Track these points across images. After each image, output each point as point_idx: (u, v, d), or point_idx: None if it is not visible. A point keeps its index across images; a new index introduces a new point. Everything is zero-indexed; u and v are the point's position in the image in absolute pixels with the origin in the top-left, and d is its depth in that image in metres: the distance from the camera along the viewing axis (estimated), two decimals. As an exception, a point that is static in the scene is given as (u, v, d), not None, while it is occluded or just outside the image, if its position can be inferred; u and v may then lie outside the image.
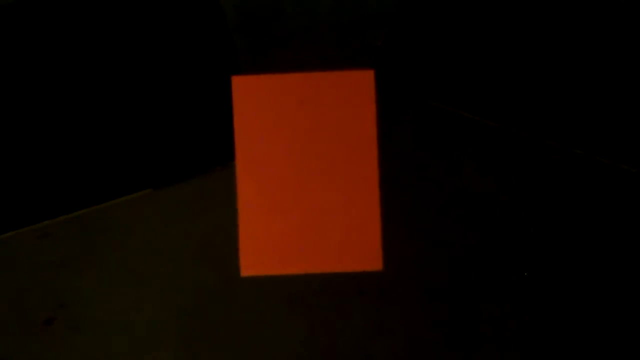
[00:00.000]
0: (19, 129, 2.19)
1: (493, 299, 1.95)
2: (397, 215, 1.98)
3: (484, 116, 2.55)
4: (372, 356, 1.89)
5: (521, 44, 2.43)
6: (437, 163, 2.40)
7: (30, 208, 2.24)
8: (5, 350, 1.95)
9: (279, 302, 1.95)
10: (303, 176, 1.23)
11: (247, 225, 1.22)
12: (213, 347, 1.89)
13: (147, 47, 2.20)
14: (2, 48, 2.14)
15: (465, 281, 1.99)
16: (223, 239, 2.06)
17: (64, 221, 2.30)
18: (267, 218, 1.22)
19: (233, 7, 1.99)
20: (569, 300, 1.96)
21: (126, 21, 2.13)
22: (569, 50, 2.40)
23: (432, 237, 2.11)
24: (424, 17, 2.35)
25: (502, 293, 1.96)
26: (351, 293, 1.92)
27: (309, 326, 1.88)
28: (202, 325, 1.93)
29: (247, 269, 1.22)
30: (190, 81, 2.23)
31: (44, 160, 2.24)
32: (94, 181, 2.29)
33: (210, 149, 2.32)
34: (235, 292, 1.94)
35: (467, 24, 2.37)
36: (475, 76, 2.49)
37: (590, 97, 2.41)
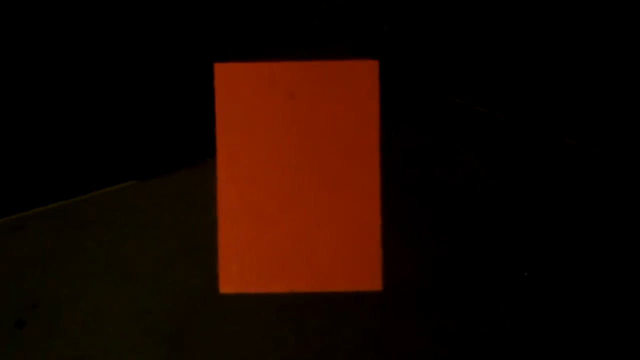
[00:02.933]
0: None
1: (493, 311, 1.81)
2: (397, 220, 1.83)
3: (493, 109, 2.41)
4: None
5: (533, 36, 2.30)
6: (442, 162, 2.25)
7: (3, 198, 2.09)
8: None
9: (267, 309, 1.80)
10: (293, 181, 1.08)
11: (228, 235, 1.07)
12: (193, 352, 1.74)
13: (133, 36, 2.04)
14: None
15: (465, 290, 1.86)
16: (209, 236, 1.92)
17: (41, 213, 2.16)
18: (251, 228, 1.07)
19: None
20: (570, 303, 1.83)
21: (112, 9, 1.98)
22: (583, 45, 2.27)
23: (432, 242, 1.97)
24: (433, 2, 2.20)
25: (503, 304, 1.82)
26: (345, 301, 1.78)
27: (299, 336, 1.73)
28: (183, 331, 1.78)
29: (226, 285, 1.07)
30: (178, 70, 2.08)
31: (20, 146, 2.08)
32: (74, 171, 2.14)
33: (198, 140, 2.17)
34: (219, 297, 1.80)
35: (477, 12, 2.23)
36: (485, 67, 2.35)
37: (602, 92, 2.30)
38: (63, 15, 1.98)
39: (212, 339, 1.74)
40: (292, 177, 1.07)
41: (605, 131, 2.32)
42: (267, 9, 1.71)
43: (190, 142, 2.10)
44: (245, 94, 1.07)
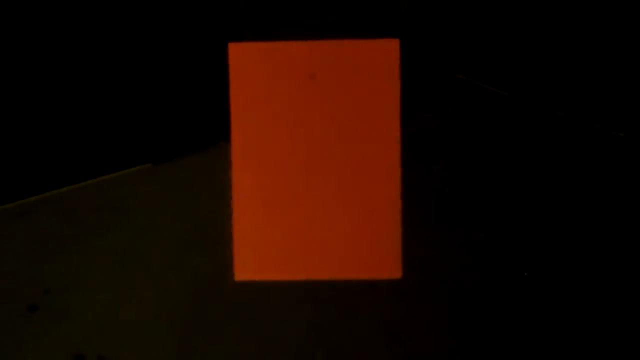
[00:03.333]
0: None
1: (508, 301, 1.76)
2: (416, 206, 1.79)
3: (513, 91, 2.35)
4: (377, 350, 1.70)
5: (556, 18, 2.23)
6: (462, 146, 2.20)
7: (11, 182, 2.06)
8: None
9: (281, 296, 1.77)
10: (311, 165, 1.04)
11: (243, 222, 1.03)
12: (207, 340, 1.72)
13: (145, 15, 2.00)
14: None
15: (483, 279, 1.82)
16: (223, 222, 1.89)
17: (52, 197, 2.14)
18: (267, 214, 1.03)
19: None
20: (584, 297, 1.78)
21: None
22: (609, 30, 2.20)
23: (450, 230, 1.92)
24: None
25: (523, 295, 1.77)
26: (360, 285, 1.74)
27: (312, 323, 1.70)
28: (197, 318, 1.76)
29: (242, 272, 1.04)
30: (191, 51, 2.03)
31: (30, 129, 2.05)
32: (86, 154, 2.11)
33: (212, 123, 2.13)
34: (233, 284, 1.77)
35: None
36: (505, 48, 2.28)
37: (627, 77, 2.23)
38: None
39: (226, 326, 1.71)
40: (309, 161, 1.03)
41: (629, 115, 2.26)
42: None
43: (204, 126, 2.06)
44: (261, 75, 1.03)
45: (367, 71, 1.02)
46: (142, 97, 2.04)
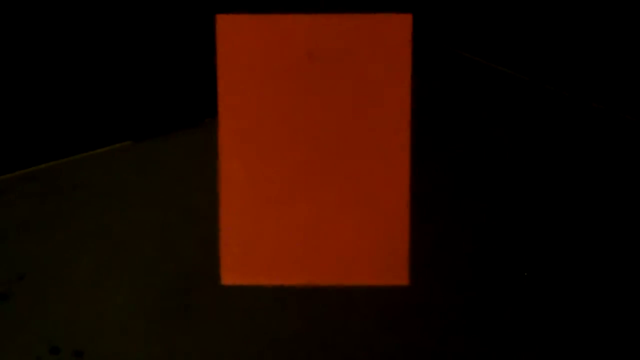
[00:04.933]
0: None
1: (519, 305, 1.68)
2: (422, 201, 1.68)
3: (519, 70, 2.25)
4: (377, 356, 1.60)
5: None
6: (469, 130, 2.09)
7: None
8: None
9: (272, 289, 1.66)
10: (309, 156, 0.92)
11: (232, 218, 0.92)
12: (189, 334, 1.61)
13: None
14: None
15: (487, 276, 1.73)
16: (209, 205, 1.77)
17: (26, 176, 2.01)
18: (259, 210, 0.92)
19: None
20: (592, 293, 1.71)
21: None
22: (616, 10, 2.11)
23: (457, 224, 1.83)
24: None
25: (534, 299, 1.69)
26: (360, 287, 1.62)
27: (305, 319, 1.60)
28: (180, 307, 1.65)
29: (229, 275, 0.92)
30: (177, 23, 1.91)
31: (2, 102, 1.92)
32: (63, 130, 1.99)
33: (199, 100, 2.01)
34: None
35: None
36: (512, 27, 2.18)
37: (633, 58, 2.15)
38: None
39: (212, 317, 1.61)
40: (307, 151, 0.92)
41: (634, 97, 2.18)
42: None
43: (190, 102, 1.94)
44: (252, 51, 0.91)
45: (375, 50, 0.89)
46: (123, 70, 1.91)
